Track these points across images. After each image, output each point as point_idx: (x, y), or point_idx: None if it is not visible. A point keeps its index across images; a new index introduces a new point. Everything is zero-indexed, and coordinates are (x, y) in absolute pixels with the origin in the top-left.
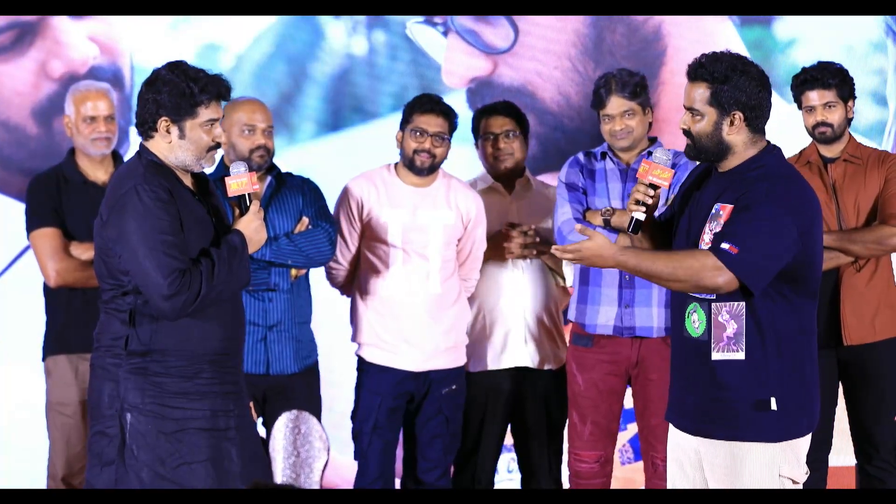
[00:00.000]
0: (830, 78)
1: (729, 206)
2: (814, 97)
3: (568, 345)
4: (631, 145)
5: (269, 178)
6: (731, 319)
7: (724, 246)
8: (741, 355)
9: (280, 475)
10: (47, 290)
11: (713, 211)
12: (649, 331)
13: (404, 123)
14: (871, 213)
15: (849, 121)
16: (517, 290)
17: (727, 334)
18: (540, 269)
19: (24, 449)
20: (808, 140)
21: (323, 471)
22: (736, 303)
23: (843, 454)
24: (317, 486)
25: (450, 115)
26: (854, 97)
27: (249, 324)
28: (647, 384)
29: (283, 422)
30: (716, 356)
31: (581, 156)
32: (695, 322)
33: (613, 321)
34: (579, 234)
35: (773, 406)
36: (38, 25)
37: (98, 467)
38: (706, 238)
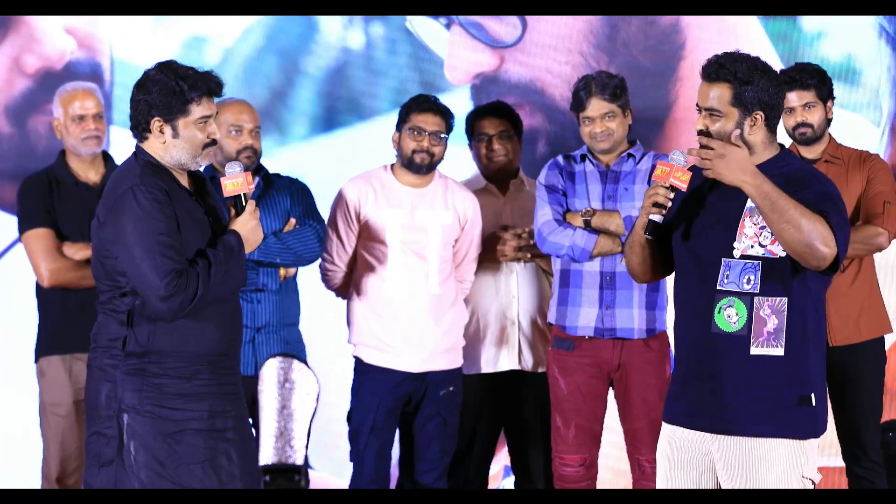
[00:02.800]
0: (809, 78)
1: None
2: (793, 98)
3: (549, 348)
4: (611, 148)
5: (256, 180)
6: (772, 314)
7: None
8: (780, 351)
9: (268, 426)
10: (40, 291)
11: (753, 205)
12: (630, 332)
13: (401, 123)
14: (854, 214)
15: (828, 121)
16: (511, 293)
17: (768, 329)
18: (534, 271)
19: (16, 449)
20: (787, 142)
21: (311, 419)
22: (778, 298)
23: (833, 455)
24: (305, 436)
25: (446, 115)
26: (832, 98)
27: None
28: (630, 387)
29: (271, 368)
30: (755, 351)
31: (560, 158)
32: (731, 317)
33: (594, 323)
34: (565, 230)
35: (814, 402)
36: (10, 17)
37: (96, 468)
38: (749, 233)
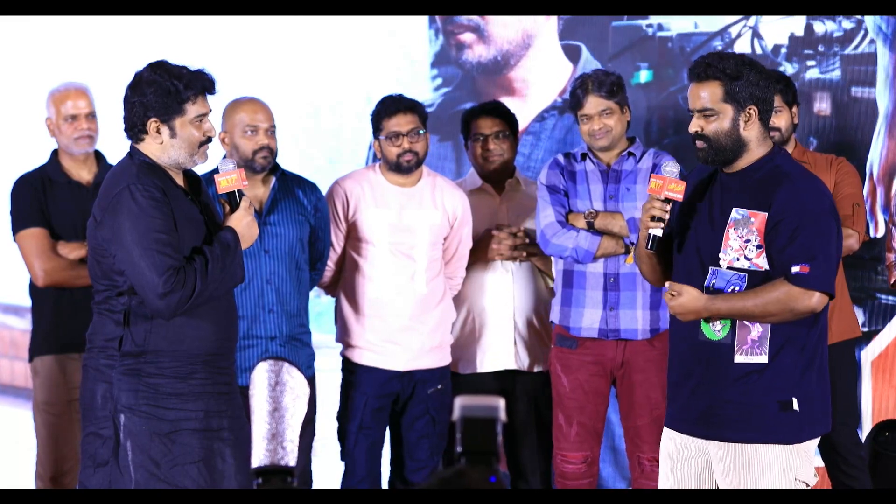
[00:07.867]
0: (775, 83)
1: (761, 214)
2: None
3: (552, 346)
4: (610, 145)
5: (272, 180)
6: (755, 322)
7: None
8: (764, 358)
9: (260, 428)
10: (34, 291)
11: (738, 216)
12: (634, 333)
13: (376, 132)
14: None
15: (794, 126)
16: (506, 292)
17: (752, 337)
18: (529, 270)
19: (10, 449)
20: None
21: (303, 422)
22: None
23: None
24: (297, 438)
25: (417, 109)
26: (798, 103)
27: (254, 337)
28: (632, 386)
29: (261, 371)
30: (739, 359)
31: (561, 157)
32: (715, 325)
33: (598, 324)
34: (568, 232)
35: (796, 407)
36: None
37: (91, 468)
38: (734, 245)
